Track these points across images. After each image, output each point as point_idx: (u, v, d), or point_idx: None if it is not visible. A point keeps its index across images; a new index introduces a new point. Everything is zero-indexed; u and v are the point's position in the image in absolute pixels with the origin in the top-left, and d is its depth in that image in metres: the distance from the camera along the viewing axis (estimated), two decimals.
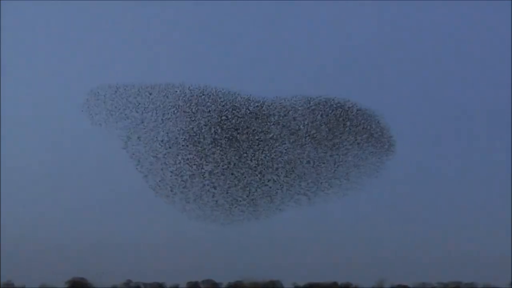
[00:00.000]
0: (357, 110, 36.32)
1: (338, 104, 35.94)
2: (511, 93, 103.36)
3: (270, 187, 36.25)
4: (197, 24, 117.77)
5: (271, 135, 35.22)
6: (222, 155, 35.08)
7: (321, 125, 35.68)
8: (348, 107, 36.29)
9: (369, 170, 36.53)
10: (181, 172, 35.18)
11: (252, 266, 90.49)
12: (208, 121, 35.06)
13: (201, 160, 35.01)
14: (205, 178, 35.34)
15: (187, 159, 34.94)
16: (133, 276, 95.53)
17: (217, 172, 35.55)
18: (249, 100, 35.73)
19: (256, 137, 35.03)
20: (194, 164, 34.90)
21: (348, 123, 35.83)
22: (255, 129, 35.04)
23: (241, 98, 35.83)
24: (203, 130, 34.74)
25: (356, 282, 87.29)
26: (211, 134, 34.87)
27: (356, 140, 35.83)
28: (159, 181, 35.42)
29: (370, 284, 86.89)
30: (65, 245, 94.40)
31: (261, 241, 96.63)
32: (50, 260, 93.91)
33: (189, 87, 35.13)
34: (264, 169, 35.47)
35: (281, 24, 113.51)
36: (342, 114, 35.87)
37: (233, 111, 35.16)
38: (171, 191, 35.47)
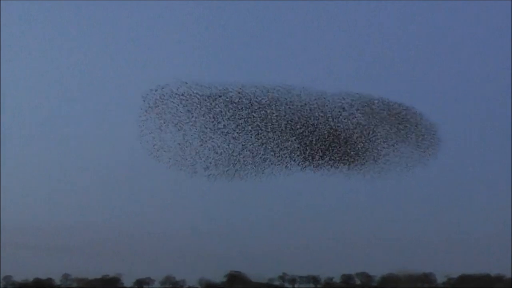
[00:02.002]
0: (404, 109, 37.03)
1: (391, 104, 36.71)
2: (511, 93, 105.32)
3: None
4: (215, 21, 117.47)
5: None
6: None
7: (373, 123, 36.28)
8: (393, 106, 37.04)
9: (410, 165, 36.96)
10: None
11: (405, 258, 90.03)
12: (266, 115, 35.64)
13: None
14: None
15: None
16: (288, 269, 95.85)
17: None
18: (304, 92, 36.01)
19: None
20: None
21: (398, 121, 36.61)
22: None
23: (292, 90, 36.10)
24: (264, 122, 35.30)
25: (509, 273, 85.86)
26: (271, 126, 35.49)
27: (398, 136, 36.55)
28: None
29: None
30: (220, 240, 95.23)
31: (412, 234, 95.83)
32: (208, 255, 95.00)
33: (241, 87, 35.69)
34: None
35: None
36: (394, 113, 36.50)
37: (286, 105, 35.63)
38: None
